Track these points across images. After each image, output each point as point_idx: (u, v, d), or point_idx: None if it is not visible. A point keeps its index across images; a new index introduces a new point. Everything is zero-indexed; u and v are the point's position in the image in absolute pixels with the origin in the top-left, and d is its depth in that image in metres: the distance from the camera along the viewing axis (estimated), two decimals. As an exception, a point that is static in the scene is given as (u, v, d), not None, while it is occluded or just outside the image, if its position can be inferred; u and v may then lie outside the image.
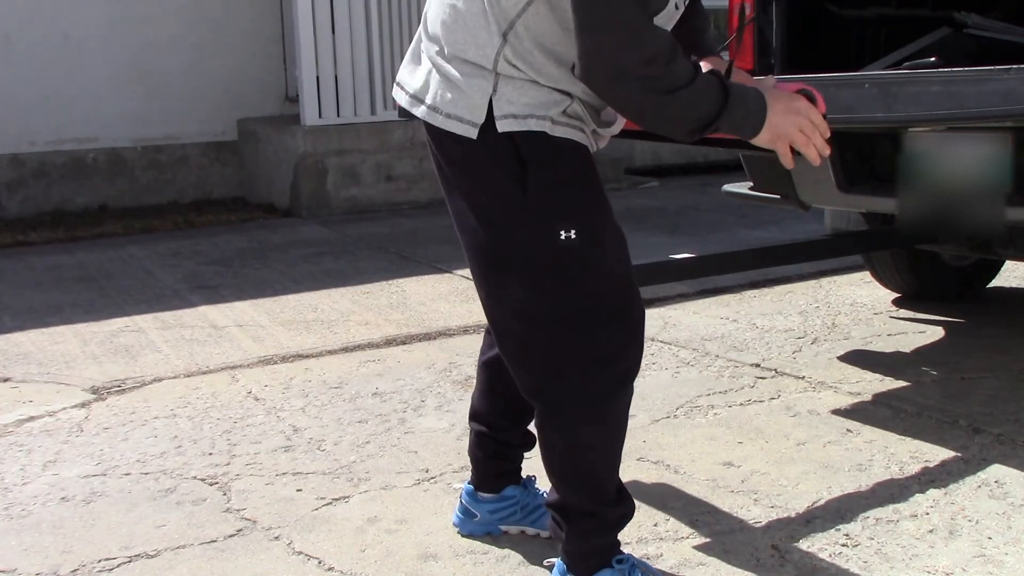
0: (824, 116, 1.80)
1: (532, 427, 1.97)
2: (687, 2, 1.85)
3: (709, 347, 3.55)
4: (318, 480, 2.52)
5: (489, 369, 2.12)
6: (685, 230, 5.74)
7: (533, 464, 2.12)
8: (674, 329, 3.79)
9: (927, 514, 2.24)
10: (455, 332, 3.83)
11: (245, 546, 2.19)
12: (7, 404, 3.16)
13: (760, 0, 3.21)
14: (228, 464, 2.64)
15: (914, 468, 2.49)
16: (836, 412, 2.89)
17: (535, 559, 2.08)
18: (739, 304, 4.14)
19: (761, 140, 1.75)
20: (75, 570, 2.11)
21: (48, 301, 4.47)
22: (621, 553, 1.90)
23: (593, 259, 1.76)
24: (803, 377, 3.20)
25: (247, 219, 6.69)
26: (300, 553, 2.15)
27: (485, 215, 1.78)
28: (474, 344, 3.56)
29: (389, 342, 3.74)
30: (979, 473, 2.45)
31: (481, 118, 1.71)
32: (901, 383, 3.12)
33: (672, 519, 2.25)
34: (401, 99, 1.87)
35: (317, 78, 6.70)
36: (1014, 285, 4.33)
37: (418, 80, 1.83)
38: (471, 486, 2.20)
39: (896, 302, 4.07)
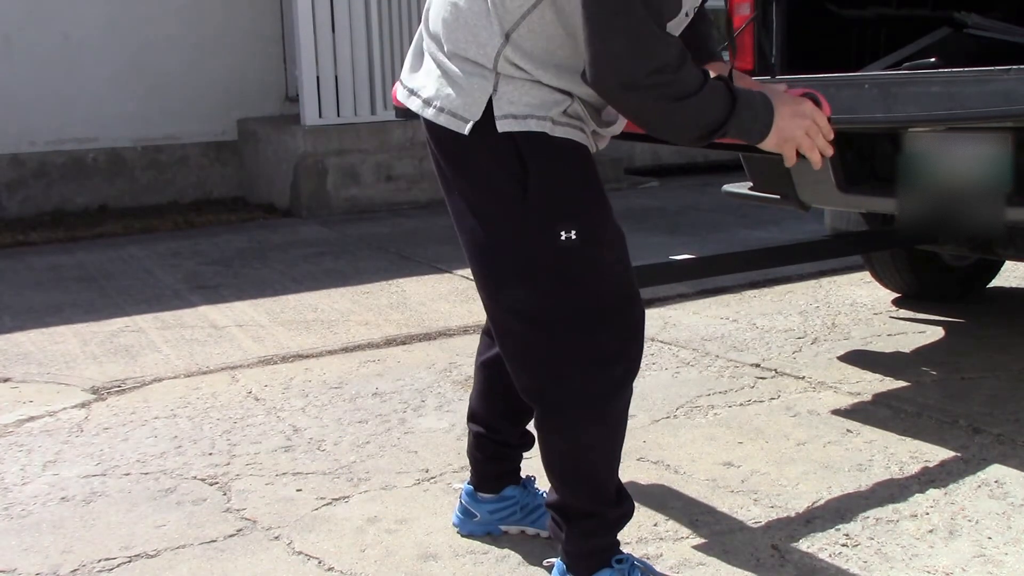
0: (828, 119, 1.81)
1: (531, 427, 1.97)
2: (696, 9, 1.85)
3: (709, 347, 3.55)
4: (318, 480, 2.52)
5: (487, 370, 2.12)
6: (685, 230, 5.74)
7: (533, 464, 2.12)
8: (674, 329, 3.79)
9: (927, 514, 2.24)
10: (455, 332, 3.83)
11: (245, 546, 2.19)
12: (7, 404, 3.16)
13: (760, 0, 3.21)
14: (228, 464, 2.64)
15: (914, 468, 2.49)
16: (836, 412, 2.89)
17: (535, 559, 2.08)
18: (739, 304, 4.14)
19: (768, 144, 1.75)
20: (75, 570, 2.11)
21: (48, 301, 4.47)
22: (621, 553, 1.90)
23: (594, 259, 1.76)
24: (803, 377, 3.20)
25: (247, 219, 6.69)
26: (300, 553, 2.15)
27: (485, 215, 1.78)
28: (474, 344, 3.55)
29: (389, 342, 3.74)
30: (979, 473, 2.45)
31: (476, 115, 1.71)
32: (901, 383, 3.12)
33: (672, 519, 2.25)
34: (400, 94, 1.88)
35: (317, 78, 6.70)
36: (1014, 285, 4.33)
37: (418, 76, 1.84)
38: (471, 486, 2.20)
39: (896, 302, 4.07)
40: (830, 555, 2.08)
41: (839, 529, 2.19)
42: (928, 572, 2.00)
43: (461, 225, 1.83)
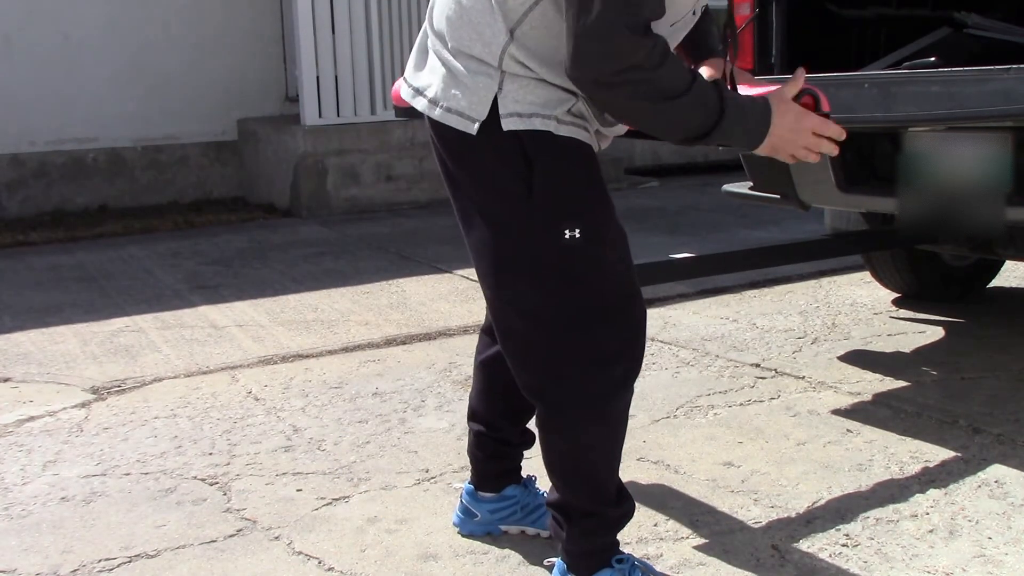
0: (828, 115, 1.80)
1: (531, 425, 1.97)
2: (703, 9, 1.85)
3: (709, 347, 3.55)
4: (318, 480, 2.52)
5: (486, 369, 2.12)
6: (685, 230, 5.74)
7: (533, 464, 2.12)
8: (674, 329, 3.79)
9: (927, 514, 2.24)
10: (455, 332, 3.83)
11: (245, 546, 2.19)
12: (7, 404, 3.16)
13: (760, 0, 3.21)
14: (228, 464, 2.64)
15: (914, 468, 2.49)
16: (836, 412, 2.89)
17: (535, 559, 2.08)
18: (739, 304, 4.14)
19: (760, 151, 1.77)
20: (75, 570, 2.11)
21: (48, 301, 4.47)
22: (621, 553, 1.90)
23: (597, 258, 1.76)
24: (803, 377, 3.20)
25: (247, 219, 6.69)
26: (300, 553, 2.15)
27: (490, 214, 1.78)
28: (474, 344, 3.56)
29: (389, 342, 3.74)
30: (979, 473, 2.45)
31: (483, 114, 1.71)
32: (901, 383, 3.12)
33: (672, 519, 2.25)
34: (405, 93, 1.87)
35: (317, 78, 6.70)
36: (1014, 285, 4.33)
37: (423, 74, 1.84)
38: (471, 486, 2.20)
39: (896, 302, 4.07)
40: (830, 555, 2.08)
41: (839, 529, 2.19)
42: (928, 572, 2.00)
43: (466, 223, 1.83)
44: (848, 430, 2.75)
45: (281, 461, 2.65)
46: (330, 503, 2.39)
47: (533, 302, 1.77)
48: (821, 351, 3.47)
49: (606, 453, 1.87)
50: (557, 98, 1.72)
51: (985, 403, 2.91)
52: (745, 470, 2.51)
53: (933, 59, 3.05)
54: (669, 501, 2.34)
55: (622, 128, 1.89)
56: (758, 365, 3.33)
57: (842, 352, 3.45)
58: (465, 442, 2.33)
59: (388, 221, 6.41)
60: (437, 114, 1.77)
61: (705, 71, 1.96)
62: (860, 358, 3.38)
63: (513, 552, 2.12)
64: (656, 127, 1.72)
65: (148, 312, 4.23)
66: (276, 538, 2.22)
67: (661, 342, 3.62)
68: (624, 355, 1.81)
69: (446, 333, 3.83)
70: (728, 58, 1.96)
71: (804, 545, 2.12)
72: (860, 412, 2.88)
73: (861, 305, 4.06)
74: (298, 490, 2.47)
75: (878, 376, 3.19)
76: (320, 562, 2.11)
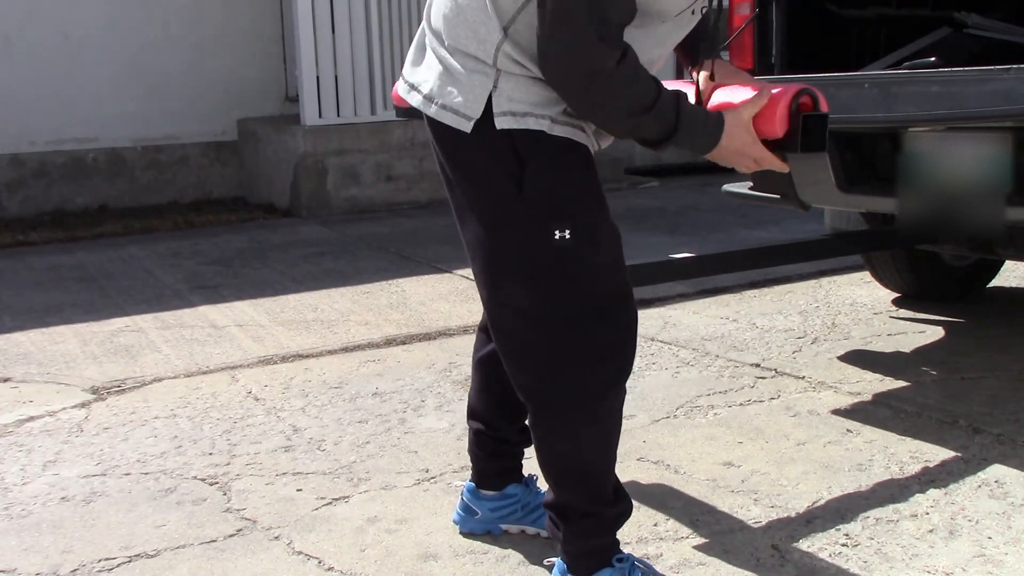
0: (827, 115, 1.81)
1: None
2: (704, 9, 1.85)
3: (709, 347, 3.55)
4: (318, 480, 2.52)
5: (484, 367, 2.12)
6: (685, 230, 5.74)
7: (532, 464, 2.12)
8: (674, 329, 3.79)
9: (927, 514, 2.24)
10: (455, 332, 3.83)
11: (245, 546, 2.19)
12: (7, 404, 3.16)
13: (760, 0, 3.21)
14: (228, 464, 2.64)
15: (914, 468, 2.49)
16: (836, 412, 2.89)
17: (535, 559, 2.08)
18: (739, 304, 4.14)
19: (710, 157, 1.85)
20: (75, 570, 2.11)
21: (48, 301, 4.47)
22: (621, 552, 1.90)
23: (589, 259, 1.77)
24: (803, 377, 3.20)
25: (247, 219, 6.69)
26: (300, 553, 2.15)
27: (483, 213, 1.78)
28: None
29: (389, 342, 3.74)
30: (979, 473, 2.45)
31: (477, 112, 1.72)
32: (901, 383, 3.12)
33: (672, 519, 2.25)
34: (401, 89, 1.88)
35: (317, 78, 6.70)
36: (1014, 285, 4.33)
37: (420, 71, 1.84)
38: (472, 484, 2.20)
39: (896, 302, 4.07)
40: (830, 555, 2.08)
41: (839, 529, 2.19)
42: (928, 572, 2.00)
43: (462, 222, 1.84)
44: (848, 430, 2.75)
45: (281, 461, 2.65)
46: (330, 503, 2.39)
47: (525, 302, 1.77)
48: (821, 351, 3.47)
49: (600, 452, 1.86)
50: (552, 97, 1.72)
51: (985, 403, 2.91)
52: (745, 470, 2.51)
53: (933, 59, 3.05)
54: (669, 501, 2.34)
55: None
56: (758, 365, 3.33)
57: (842, 352, 3.45)
58: (465, 442, 2.33)
59: (388, 221, 6.41)
60: (432, 111, 1.78)
61: (705, 79, 1.96)
62: (860, 358, 3.38)
63: (513, 552, 2.12)
64: (615, 131, 1.80)
65: (148, 312, 4.23)
66: (276, 538, 2.22)
67: (661, 342, 3.62)
68: (616, 355, 1.81)
69: (446, 333, 3.83)
70: (704, 64, 1.99)
71: (804, 545, 2.12)
72: (860, 412, 2.88)
73: (861, 305, 4.07)
74: (298, 490, 2.47)
75: (878, 376, 3.19)
76: (320, 562, 2.11)
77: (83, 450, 2.77)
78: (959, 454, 2.56)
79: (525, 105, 1.71)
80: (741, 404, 2.97)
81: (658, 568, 2.01)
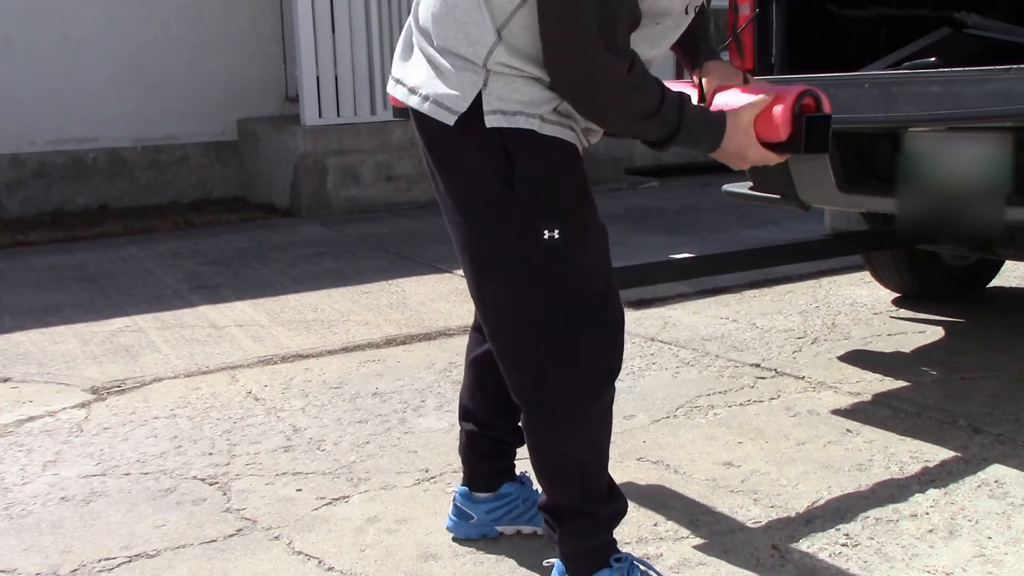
0: (830, 116, 1.82)
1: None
2: (698, 8, 1.85)
3: (709, 347, 3.55)
4: (318, 480, 2.52)
5: (478, 367, 2.11)
6: (685, 230, 5.74)
7: (526, 464, 2.12)
8: (674, 329, 3.79)
9: (927, 514, 2.24)
10: (455, 332, 3.83)
11: (245, 546, 2.19)
12: (7, 404, 3.16)
13: (760, 0, 3.21)
14: (228, 464, 2.64)
15: (914, 468, 2.49)
16: (836, 412, 2.89)
17: (535, 559, 2.08)
18: (739, 304, 4.14)
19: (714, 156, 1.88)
20: (75, 570, 2.11)
21: (48, 301, 4.47)
22: (619, 552, 1.90)
23: (576, 259, 1.76)
24: (803, 377, 3.20)
25: (247, 219, 6.69)
26: (300, 553, 2.15)
27: (472, 212, 1.77)
28: (474, 344, 3.56)
29: (389, 342, 3.74)
30: (979, 473, 2.45)
31: (463, 107, 1.71)
32: (901, 383, 3.12)
33: (672, 519, 2.25)
34: (388, 84, 1.89)
35: (317, 78, 6.70)
36: (1014, 285, 4.33)
37: (407, 66, 1.84)
38: (465, 487, 2.19)
39: (896, 302, 4.07)
40: (830, 555, 2.08)
41: (839, 529, 2.19)
42: (928, 572, 2.00)
43: (451, 222, 1.83)
44: (848, 430, 2.75)
45: (281, 461, 2.65)
46: (330, 503, 2.39)
47: (513, 301, 1.77)
48: (821, 351, 3.47)
49: (592, 451, 1.86)
50: (543, 96, 1.71)
51: (985, 403, 2.91)
52: (745, 470, 2.51)
53: (933, 59, 3.05)
54: (669, 501, 2.34)
55: None
56: (758, 365, 3.33)
57: (842, 352, 3.45)
58: (465, 442, 2.33)
59: (388, 221, 6.41)
60: (414, 102, 1.78)
61: (707, 82, 1.96)
62: (860, 358, 3.38)
63: (513, 552, 2.12)
64: (618, 133, 1.85)
65: (148, 312, 4.23)
66: (276, 538, 2.22)
67: (661, 342, 3.62)
68: (606, 354, 1.81)
69: (446, 333, 3.83)
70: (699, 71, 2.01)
71: (804, 545, 2.12)
72: (860, 412, 2.88)
73: (861, 305, 4.07)
74: (298, 490, 2.47)
75: (878, 376, 3.19)
76: (320, 562, 2.11)
77: (83, 450, 2.77)
78: (959, 454, 2.56)
79: (516, 104, 1.70)
80: (741, 404, 2.97)
81: (658, 568, 2.01)
